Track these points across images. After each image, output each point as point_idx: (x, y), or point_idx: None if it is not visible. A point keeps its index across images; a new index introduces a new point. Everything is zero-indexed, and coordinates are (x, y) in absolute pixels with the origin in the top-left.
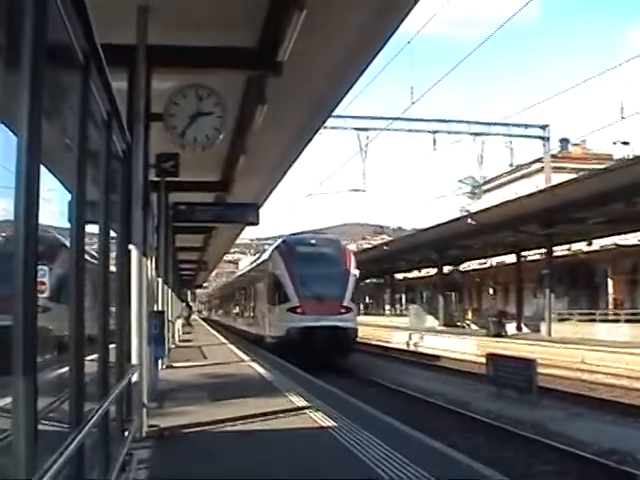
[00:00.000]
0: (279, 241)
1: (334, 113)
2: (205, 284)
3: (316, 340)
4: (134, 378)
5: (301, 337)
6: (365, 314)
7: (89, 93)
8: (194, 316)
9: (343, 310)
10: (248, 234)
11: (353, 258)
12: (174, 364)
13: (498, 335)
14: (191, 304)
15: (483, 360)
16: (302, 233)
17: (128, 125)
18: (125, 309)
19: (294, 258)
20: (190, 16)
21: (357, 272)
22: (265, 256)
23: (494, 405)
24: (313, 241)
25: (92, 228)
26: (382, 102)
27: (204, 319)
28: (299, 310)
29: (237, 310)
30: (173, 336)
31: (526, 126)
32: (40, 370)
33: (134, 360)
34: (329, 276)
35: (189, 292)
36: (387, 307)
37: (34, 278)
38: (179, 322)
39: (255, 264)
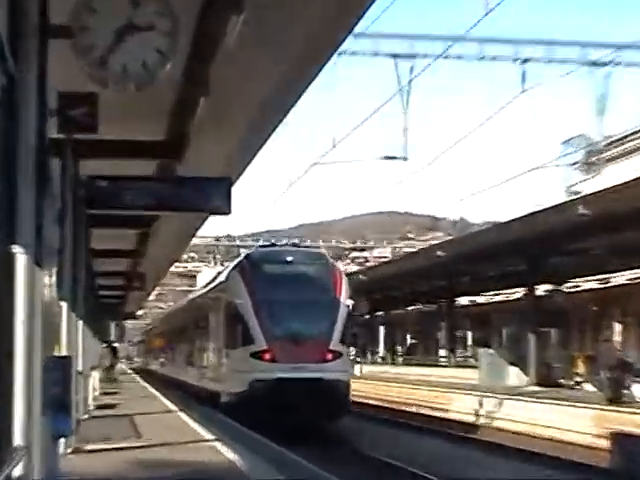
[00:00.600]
0: (241, 257)
1: (357, 29)
2: (140, 312)
3: (290, 398)
4: (16, 472)
5: (269, 394)
6: (405, 362)
7: None
8: (121, 365)
9: (329, 356)
10: (214, 230)
11: (345, 281)
12: (86, 446)
13: (616, 400)
14: (116, 345)
15: (603, 443)
16: (274, 245)
17: (11, 44)
18: (3, 354)
19: (261, 281)
20: None
21: (350, 302)
22: (221, 278)
23: None
24: (289, 257)
25: None
26: (436, 13)
27: (138, 370)
28: (267, 356)
29: (181, 356)
30: (86, 399)
31: None
32: None
33: (17, 440)
34: (310, 307)
35: (113, 325)
36: (442, 351)
37: None
38: (96, 376)
39: (208, 288)
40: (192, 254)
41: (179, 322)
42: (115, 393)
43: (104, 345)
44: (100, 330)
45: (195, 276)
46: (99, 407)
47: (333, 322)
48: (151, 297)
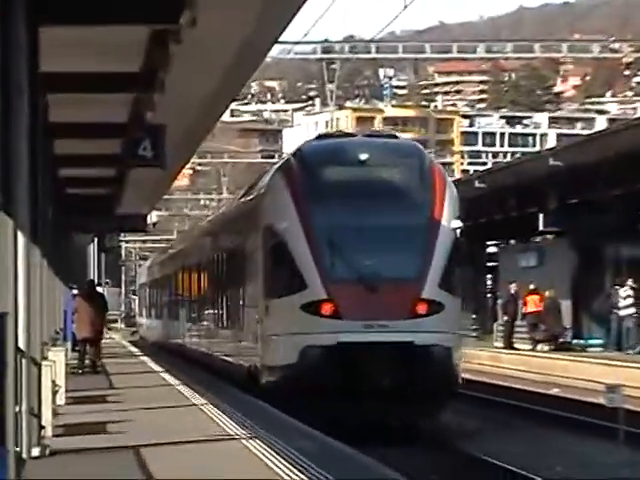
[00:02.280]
0: (287, 154)
1: None
2: (154, 218)
3: (363, 374)
4: None
5: (330, 368)
6: None
7: None
8: (114, 336)
9: (424, 308)
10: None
11: (451, 191)
12: None
13: None
14: (103, 293)
15: None
16: (343, 134)
17: None
18: None
19: (318, 192)
20: None
21: (458, 224)
22: (258, 187)
23: None
24: (362, 153)
25: None
26: None
27: (144, 344)
28: (327, 309)
29: (195, 315)
30: (35, 414)
31: None
32: None
33: None
34: (394, 233)
35: (93, 248)
36: None
37: None
38: (59, 360)
39: (237, 204)
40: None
41: (192, 259)
42: (101, 400)
43: (75, 292)
44: (67, 262)
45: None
46: (67, 431)
47: (429, 256)
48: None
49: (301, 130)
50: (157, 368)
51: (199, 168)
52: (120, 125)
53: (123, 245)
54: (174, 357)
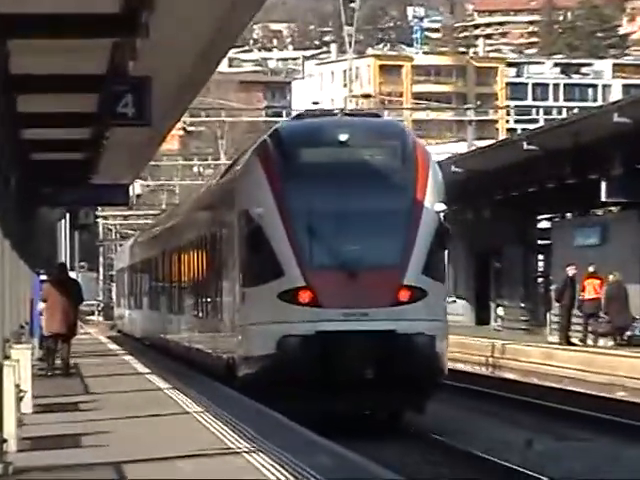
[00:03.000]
0: (263, 135)
1: None
2: (138, 189)
3: (342, 365)
4: None
5: (308, 358)
6: None
7: None
8: (89, 330)
9: (406, 294)
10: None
11: (434, 172)
12: None
13: None
14: (77, 279)
15: None
16: (317, 113)
17: None
18: None
19: (295, 175)
20: None
21: (441, 207)
22: (234, 169)
23: None
24: (341, 133)
25: None
26: None
27: (124, 339)
28: (304, 296)
29: (169, 302)
30: None
31: None
32: None
33: None
34: (374, 217)
35: (63, 225)
36: None
37: None
38: (24, 360)
39: (212, 187)
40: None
41: (171, 242)
42: (74, 407)
43: (43, 278)
44: (34, 242)
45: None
46: (34, 445)
47: (411, 240)
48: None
49: (313, 82)
50: (142, 369)
51: (191, 129)
52: (97, 77)
53: (101, 222)
54: (159, 354)
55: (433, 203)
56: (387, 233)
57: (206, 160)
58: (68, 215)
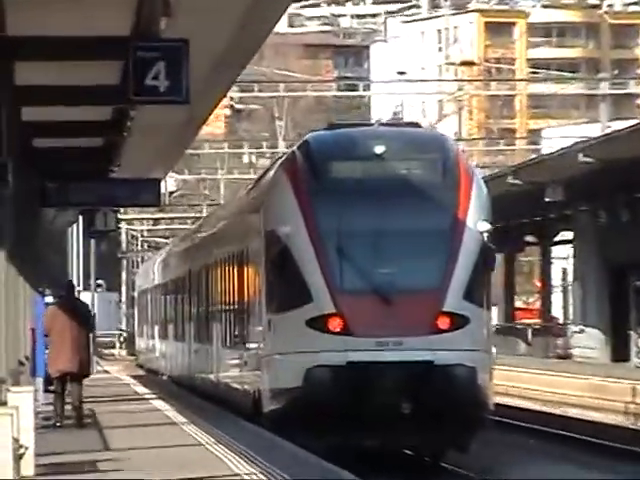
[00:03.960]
0: (294, 147)
1: None
2: (172, 183)
3: (378, 395)
4: None
5: (341, 388)
6: None
7: None
8: (106, 366)
9: (446, 322)
10: None
11: (477, 184)
12: None
13: None
14: (87, 306)
15: None
16: (350, 124)
17: None
18: None
19: (326, 190)
20: None
21: (485, 227)
22: (261, 185)
23: None
24: (378, 145)
25: None
26: None
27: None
28: (335, 324)
29: (186, 334)
30: None
31: None
32: None
33: None
34: (411, 238)
35: (82, 221)
36: None
37: None
38: (26, 407)
39: (235, 206)
40: None
41: (191, 263)
42: (90, 468)
43: (48, 301)
44: (38, 254)
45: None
46: None
47: (451, 263)
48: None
49: (398, 45)
50: (176, 417)
51: (241, 107)
52: (119, 39)
53: (124, 228)
54: (196, 397)
55: (476, 222)
56: (425, 255)
57: (260, 147)
58: (81, 219)
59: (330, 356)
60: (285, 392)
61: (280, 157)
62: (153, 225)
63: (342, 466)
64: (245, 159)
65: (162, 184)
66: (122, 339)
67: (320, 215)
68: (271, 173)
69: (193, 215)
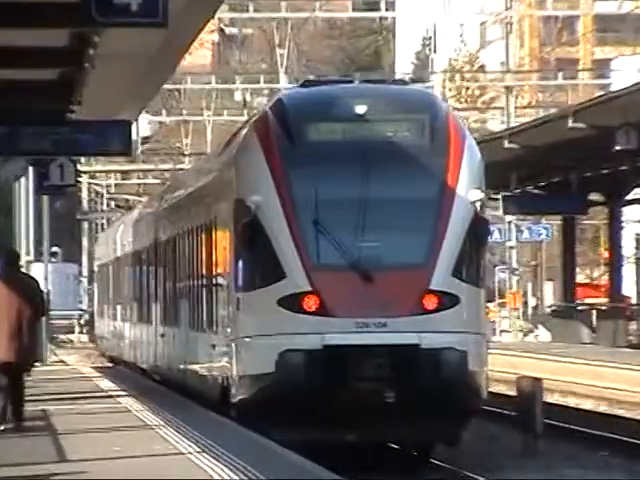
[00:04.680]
0: (266, 103)
1: None
2: (140, 135)
3: (358, 382)
4: None
5: (316, 375)
6: None
7: None
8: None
9: (432, 301)
10: None
11: (469, 148)
12: None
13: None
14: (45, 267)
15: None
16: (328, 81)
17: None
18: None
19: (300, 154)
20: None
21: (477, 195)
22: (231, 147)
23: None
24: (358, 103)
25: None
26: None
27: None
28: (310, 303)
29: (149, 313)
30: None
31: None
32: None
33: None
34: (393, 209)
35: (32, 173)
36: None
37: None
38: None
39: (201, 170)
40: None
41: (145, 239)
42: None
43: None
44: None
45: None
46: None
47: (439, 236)
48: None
49: None
50: (150, 418)
51: (232, 31)
52: None
53: (85, 182)
54: (173, 390)
55: (467, 190)
56: (410, 226)
57: (256, 83)
58: (32, 171)
59: (304, 339)
60: (255, 379)
61: (252, 116)
62: (122, 179)
63: (321, 463)
64: (237, 97)
65: (133, 127)
66: (83, 322)
67: (294, 182)
68: (242, 134)
69: (171, 167)
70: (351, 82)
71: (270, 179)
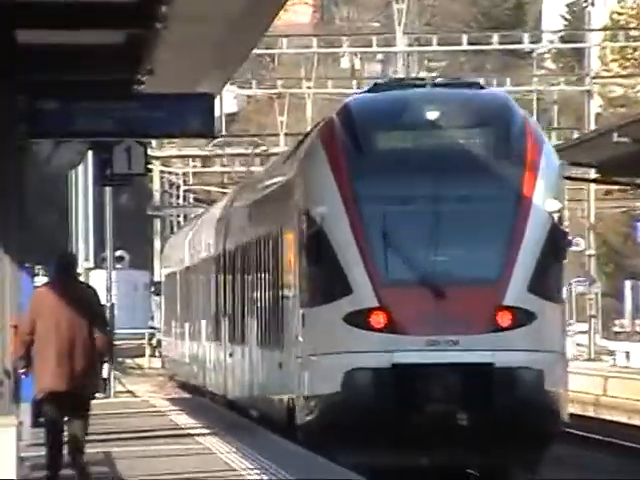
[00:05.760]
0: (333, 112)
1: None
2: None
3: (429, 403)
4: None
5: (385, 395)
6: None
7: None
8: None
9: (507, 318)
10: None
11: (547, 156)
12: None
13: None
14: (108, 274)
15: None
16: (398, 83)
17: None
18: None
19: (368, 164)
20: None
21: (555, 206)
22: (298, 156)
23: None
24: (429, 110)
25: None
26: None
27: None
28: (378, 320)
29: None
30: None
31: None
32: None
33: None
34: (466, 221)
35: (91, 159)
36: None
37: None
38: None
39: (263, 182)
40: None
41: (214, 247)
42: None
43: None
44: (24, 211)
45: None
46: None
47: (515, 251)
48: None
49: None
50: (236, 462)
51: None
52: None
53: (157, 170)
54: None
55: (545, 200)
56: (483, 240)
57: (367, 46)
58: (92, 158)
59: (372, 357)
60: (321, 400)
61: (318, 123)
62: (202, 167)
63: None
64: (344, 63)
65: (216, 102)
66: (155, 342)
67: (361, 194)
68: (308, 141)
69: (263, 152)
70: (424, 85)
71: (336, 190)
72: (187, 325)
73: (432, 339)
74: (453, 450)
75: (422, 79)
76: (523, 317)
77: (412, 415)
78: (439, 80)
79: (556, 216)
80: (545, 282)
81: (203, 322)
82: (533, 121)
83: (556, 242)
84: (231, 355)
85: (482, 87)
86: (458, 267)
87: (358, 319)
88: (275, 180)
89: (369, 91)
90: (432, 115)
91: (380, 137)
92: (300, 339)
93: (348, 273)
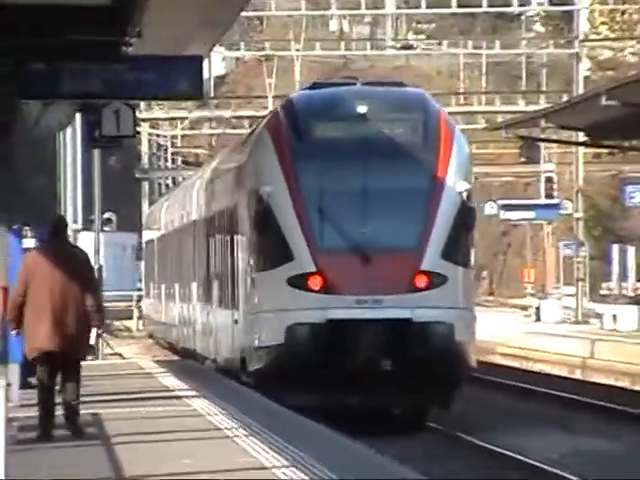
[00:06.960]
0: (277, 105)
1: None
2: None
3: (358, 352)
4: None
5: (321, 345)
6: None
7: None
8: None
9: (423, 280)
10: None
11: (458, 143)
12: None
13: None
14: (97, 236)
15: None
16: (332, 84)
17: None
18: None
19: (307, 150)
20: None
21: (464, 186)
22: (247, 146)
23: None
24: (359, 104)
25: None
26: None
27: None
28: (315, 282)
29: (172, 293)
30: None
31: None
32: None
33: None
34: (389, 198)
35: (80, 121)
36: None
37: None
38: None
39: (217, 165)
40: None
41: (186, 215)
42: None
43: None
44: (12, 172)
45: None
46: None
47: (430, 222)
48: None
49: None
50: (225, 423)
51: None
52: None
53: (145, 133)
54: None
55: (455, 182)
56: (404, 214)
57: (356, 7)
58: (80, 119)
59: (311, 314)
60: (268, 350)
61: (265, 116)
62: (190, 129)
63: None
64: (333, 26)
65: (204, 65)
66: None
67: (301, 174)
68: (257, 130)
69: (251, 114)
70: (354, 84)
71: (280, 172)
72: (163, 288)
73: (361, 298)
74: (378, 392)
75: (355, 78)
76: (437, 280)
77: (344, 362)
78: (368, 80)
79: (465, 195)
80: (456, 250)
81: (176, 285)
82: (446, 113)
83: (465, 217)
84: (199, 314)
85: (404, 85)
86: (382, 237)
87: (299, 282)
88: (232, 162)
89: (309, 88)
90: (361, 109)
91: (317, 127)
92: (251, 299)
93: (290, 243)
